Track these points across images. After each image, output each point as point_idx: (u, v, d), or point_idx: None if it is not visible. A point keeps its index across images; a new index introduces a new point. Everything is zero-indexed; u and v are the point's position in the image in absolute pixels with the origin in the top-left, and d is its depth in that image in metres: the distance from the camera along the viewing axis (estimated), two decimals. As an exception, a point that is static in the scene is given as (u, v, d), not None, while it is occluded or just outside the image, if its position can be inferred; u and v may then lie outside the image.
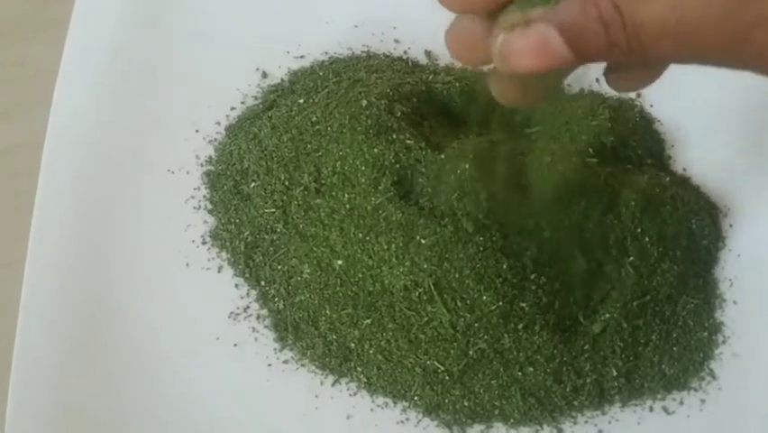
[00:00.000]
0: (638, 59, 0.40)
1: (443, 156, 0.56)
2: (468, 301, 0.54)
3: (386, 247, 0.55)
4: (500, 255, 0.54)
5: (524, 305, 0.54)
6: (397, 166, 0.56)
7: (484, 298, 0.54)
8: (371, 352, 0.56)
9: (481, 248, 0.53)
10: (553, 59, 0.40)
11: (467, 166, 0.54)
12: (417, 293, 0.55)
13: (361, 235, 0.56)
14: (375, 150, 0.56)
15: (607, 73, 0.45)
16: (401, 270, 0.55)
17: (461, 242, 0.54)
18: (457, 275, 0.54)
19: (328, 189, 0.57)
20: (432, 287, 0.54)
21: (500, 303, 0.54)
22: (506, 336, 0.54)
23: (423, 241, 0.54)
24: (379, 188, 0.56)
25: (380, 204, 0.55)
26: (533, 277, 0.54)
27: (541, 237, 0.55)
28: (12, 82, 0.68)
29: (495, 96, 0.46)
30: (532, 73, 0.41)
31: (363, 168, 0.56)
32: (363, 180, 0.56)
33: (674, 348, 0.57)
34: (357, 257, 0.56)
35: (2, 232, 0.62)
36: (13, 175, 0.64)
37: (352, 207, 0.56)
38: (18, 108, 0.66)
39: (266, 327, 0.57)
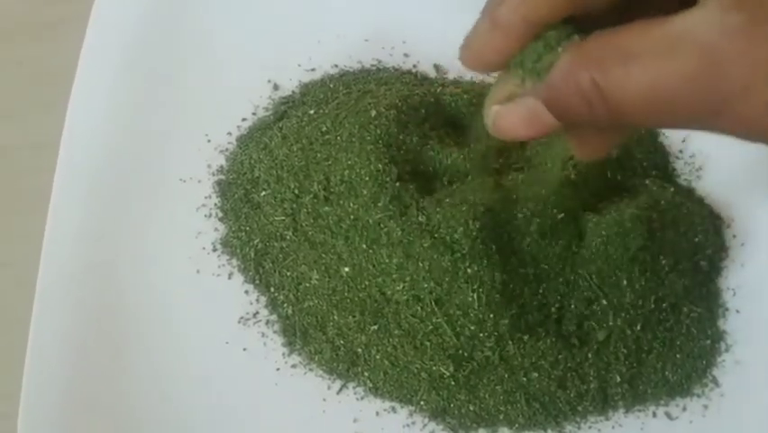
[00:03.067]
0: (618, 127, 0.44)
1: (446, 196, 0.57)
2: (471, 315, 0.55)
3: (387, 260, 0.56)
4: (500, 272, 0.55)
5: (528, 317, 0.55)
6: (398, 184, 0.57)
7: (487, 314, 0.54)
8: (378, 357, 0.56)
9: (481, 266, 0.54)
10: (541, 128, 0.43)
11: (472, 212, 0.55)
12: (420, 306, 0.55)
13: (364, 246, 0.57)
14: (379, 165, 0.57)
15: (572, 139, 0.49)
16: (402, 285, 0.56)
17: (461, 260, 0.54)
18: (458, 293, 0.55)
19: (336, 198, 0.58)
20: (433, 303, 0.55)
21: (503, 319, 0.54)
22: (510, 343, 0.55)
23: (421, 263, 0.55)
24: (379, 204, 0.56)
25: (381, 219, 0.56)
26: (535, 290, 0.55)
27: (541, 252, 0.56)
28: (12, 82, 0.69)
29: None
30: (523, 140, 0.46)
31: (367, 179, 0.57)
32: (366, 193, 0.57)
33: (678, 355, 0.57)
34: (363, 266, 0.57)
35: (2, 232, 0.62)
36: (13, 175, 0.65)
37: (356, 217, 0.57)
38: (18, 108, 0.67)
39: (275, 332, 0.58)
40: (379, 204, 0.56)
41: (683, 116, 0.40)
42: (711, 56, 0.38)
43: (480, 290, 0.54)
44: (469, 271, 0.54)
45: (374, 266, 0.56)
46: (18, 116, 0.67)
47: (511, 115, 0.44)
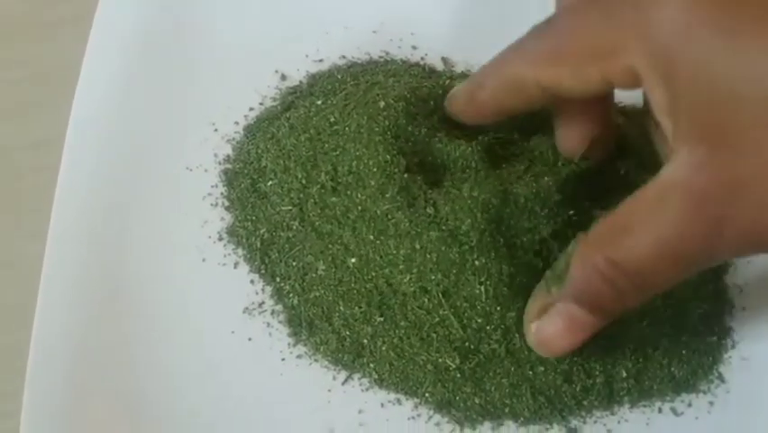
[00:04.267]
0: (649, 294, 0.47)
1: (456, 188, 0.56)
2: (478, 308, 0.55)
3: (394, 252, 0.56)
4: (507, 265, 0.55)
5: None
6: (406, 176, 0.56)
7: (494, 306, 0.54)
8: (383, 349, 0.56)
9: (489, 258, 0.54)
10: (584, 330, 0.46)
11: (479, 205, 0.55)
12: (427, 298, 0.55)
13: (372, 237, 0.56)
14: (387, 156, 0.57)
15: None
16: (409, 277, 0.55)
17: (469, 252, 0.54)
18: (466, 285, 0.54)
19: (343, 188, 0.58)
20: (440, 295, 0.55)
21: (510, 312, 0.54)
22: (517, 336, 0.55)
23: (429, 254, 0.55)
24: (387, 195, 0.56)
25: (389, 210, 0.56)
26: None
27: (548, 245, 0.56)
28: (12, 82, 0.68)
29: None
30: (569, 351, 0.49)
31: (375, 170, 0.57)
32: (373, 184, 0.57)
33: (684, 352, 0.57)
34: (369, 257, 0.56)
35: (2, 232, 0.62)
36: (12, 175, 0.65)
37: (363, 208, 0.57)
38: (18, 108, 0.67)
39: (280, 322, 0.58)
40: (387, 195, 0.56)
41: (697, 257, 0.42)
42: (693, 194, 0.42)
43: (488, 282, 0.54)
44: (476, 263, 0.54)
45: (381, 257, 0.56)
46: (18, 116, 0.66)
47: (550, 326, 0.47)
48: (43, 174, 0.62)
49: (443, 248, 0.54)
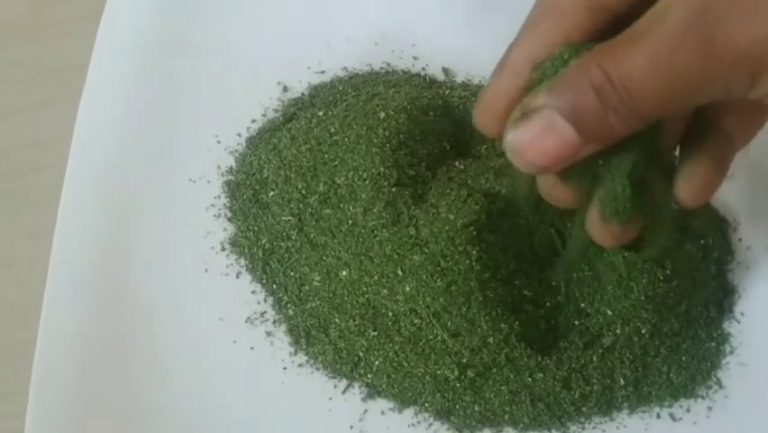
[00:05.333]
0: (636, 120, 0.42)
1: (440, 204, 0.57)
2: (472, 330, 0.55)
3: (381, 271, 0.56)
4: (499, 286, 0.55)
5: (533, 326, 0.56)
6: (394, 189, 0.57)
7: (488, 327, 0.55)
8: (378, 362, 0.57)
9: (477, 282, 0.55)
10: (561, 144, 0.41)
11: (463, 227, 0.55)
12: (419, 318, 0.56)
13: (360, 252, 0.57)
14: (382, 167, 0.58)
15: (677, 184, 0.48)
16: (398, 297, 0.56)
17: (455, 282, 0.55)
18: (456, 309, 0.55)
19: (338, 200, 0.58)
20: (431, 317, 0.55)
21: (507, 331, 0.55)
22: (516, 343, 0.55)
23: (414, 279, 0.55)
24: (374, 210, 0.57)
25: (375, 226, 0.57)
26: (537, 300, 0.57)
27: (540, 260, 0.57)
28: (12, 82, 0.69)
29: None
30: (548, 166, 0.43)
31: (367, 182, 0.57)
32: (364, 197, 0.57)
33: (683, 358, 0.57)
34: (360, 271, 0.57)
35: (2, 232, 0.63)
36: (12, 175, 0.65)
37: (354, 222, 0.57)
38: (18, 108, 0.67)
39: (282, 332, 0.59)
40: (374, 210, 0.57)
41: (686, 78, 0.40)
42: (692, 7, 0.40)
43: (481, 306, 0.55)
44: (464, 289, 0.55)
45: (370, 275, 0.57)
46: (18, 116, 0.67)
47: (526, 131, 0.42)
48: (43, 174, 0.63)
49: (426, 276, 0.55)
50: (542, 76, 0.44)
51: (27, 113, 0.67)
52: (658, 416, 0.56)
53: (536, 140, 0.42)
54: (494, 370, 0.55)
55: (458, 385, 0.56)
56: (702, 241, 0.60)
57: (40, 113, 0.66)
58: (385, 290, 0.56)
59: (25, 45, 0.70)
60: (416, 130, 0.60)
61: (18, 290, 0.60)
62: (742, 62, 0.40)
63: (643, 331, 0.56)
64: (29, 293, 0.58)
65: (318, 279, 0.58)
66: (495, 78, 0.46)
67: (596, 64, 0.41)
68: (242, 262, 0.61)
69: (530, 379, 0.55)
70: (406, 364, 0.56)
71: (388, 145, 0.58)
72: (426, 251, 0.55)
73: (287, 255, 0.60)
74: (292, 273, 0.59)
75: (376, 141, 0.58)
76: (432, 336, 0.55)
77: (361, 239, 0.57)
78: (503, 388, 0.56)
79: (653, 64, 0.40)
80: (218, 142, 0.65)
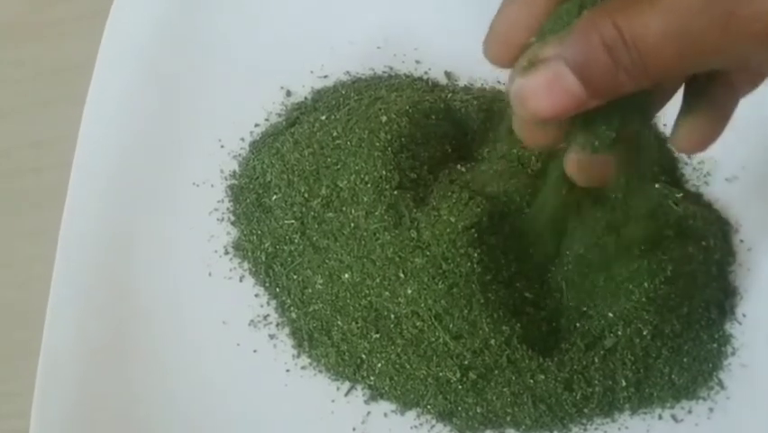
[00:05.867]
0: (645, 80, 0.41)
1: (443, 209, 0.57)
2: (474, 332, 0.55)
3: (383, 274, 0.57)
4: (501, 289, 0.56)
5: (534, 328, 0.57)
6: (396, 192, 0.57)
7: (490, 327, 0.55)
8: (380, 364, 0.57)
9: (479, 284, 0.55)
10: (566, 97, 0.41)
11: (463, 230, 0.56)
12: (421, 321, 0.56)
13: (362, 255, 0.57)
14: (383, 171, 0.58)
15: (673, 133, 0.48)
16: (400, 300, 0.56)
17: (456, 283, 0.55)
18: (458, 312, 0.55)
19: (340, 204, 0.59)
20: (433, 319, 0.56)
21: (508, 333, 0.55)
22: (518, 345, 0.55)
23: (416, 282, 0.56)
24: (376, 213, 0.57)
25: (377, 229, 0.57)
26: (538, 301, 0.57)
27: (541, 262, 0.57)
28: (12, 82, 0.69)
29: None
30: (549, 117, 0.42)
31: (369, 185, 0.58)
32: (366, 200, 0.58)
33: (684, 359, 0.57)
34: (362, 274, 0.57)
35: (2, 232, 0.63)
36: (13, 175, 0.66)
37: (356, 225, 0.58)
38: (18, 108, 0.68)
39: (285, 334, 0.59)
40: (376, 213, 0.57)
41: (699, 46, 0.40)
42: None
43: (482, 308, 0.55)
44: (465, 291, 0.55)
45: (372, 277, 0.57)
46: (18, 116, 0.68)
47: (532, 79, 0.41)
48: (43, 174, 0.63)
49: (428, 278, 0.55)
50: (553, 25, 0.43)
51: (27, 113, 0.67)
52: (660, 417, 0.56)
53: (542, 90, 0.41)
54: (496, 372, 0.55)
55: (460, 387, 0.56)
56: (704, 242, 0.60)
57: (40, 113, 0.66)
58: (387, 293, 0.56)
59: (25, 45, 0.71)
60: (418, 133, 0.60)
61: (18, 290, 0.60)
62: (763, 38, 0.39)
63: (644, 332, 0.56)
64: (29, 293, 0.59)
65: (321, 282, 0.58)
66: (507, 5, 0.45)
67: (610, 20, 0.40)
68: (246, 265, 0.61)
69: (532, 380, 0.56)
70: (408, 367, 0.56)
71: (390, 149, 0.58)
72: (428, 253, 0.55)
73: (289, 259, 0.60)
74: (295, 276, 0.59)
75: (378, 144, 0.59)
76: (434, 339, 0.55)
77: (363, 242, 0.57)
78: (505, 390, 0.56)
79: (668, 29, 0.39)
80: (222, 146, 0.65)
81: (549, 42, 0.42)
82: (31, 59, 0.70)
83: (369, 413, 0.56)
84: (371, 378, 0.57)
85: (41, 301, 0.58)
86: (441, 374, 0.56)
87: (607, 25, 0.40)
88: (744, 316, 0.59)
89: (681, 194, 0.61)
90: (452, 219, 0.55)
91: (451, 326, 0.55)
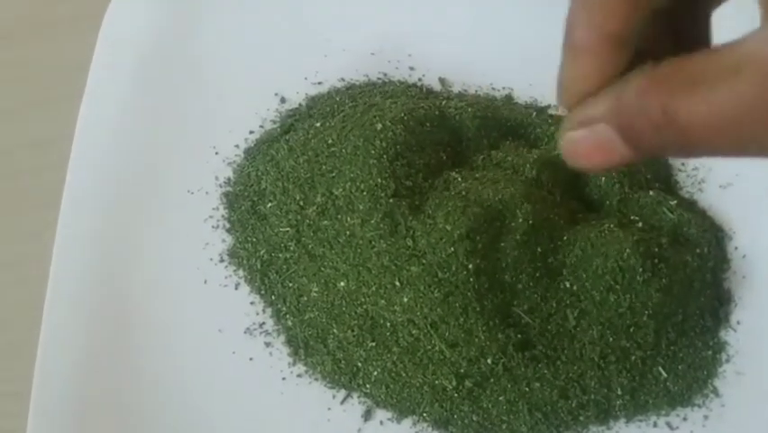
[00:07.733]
0: (691, 156, 0.43)
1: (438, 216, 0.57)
2: (469, 340, 0.55)
3: (379, 282, 0.57)
4: (496, 296, 0.56)
5: (530, 335, 0.57)
6: (391, 200, 0.57)
7: (485, 337, 0.55)
8: (376, 372, 0.57)
9: (474, 293, 0.55)
10: (613, 158, 0.42)
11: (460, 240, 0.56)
12: (416, 329, 0.56)
13: (358, 263, 0.57)
14: (379, 179, 0.58)
15: None
16: (395, 309, 0.56)
17: (452, 291, 0.55)
18: (453, 320, 0.55)
19: (335, 211, 0.59)
20: (429, 327, 0.56)
21: (504, 341, 0.55)
22: (513, 353, 0.55)
23: (412, 290, 0.56)
24: (372, 221, 0.57)
25: (372, 237, 0.57)
26: (535, 308, 0.57)
27: (536, 270, 0.57)
28: (12, 82, 0.69)
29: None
30: (597, 171, 0.44)
31: (365, 193, 0.58)
32: (362, 208, 0.58)
33: (679, 367, 0.58)
34: (358, 282, 0.57)
35: (2, 232, 0.63)
36: (13, 175, 0.66)
37: (352, 233, 0.58)
38: (18, 108, 0.68)
39: (281, 342, 0.59)
40: (372, 221, 0.57)
41: (749, 137, 0.40)
42: None
43: (478, 316, 0.55)
44: (461, 299, 0.55)
45: (368, 285, 0.57)
46: (18, 116, 0.68)
47: (583, 142, 0.44)
48: (43, 174, 0.63)
49: (424, 287, 0.55)
50: None
51: (27, 113, 0.67)
52: (655, 424, 0.56)
53: (591, 150, 0.43)
54: (492, 380, 0.55)
55: (456, 395, 0.56)
56: (698, 250, 0.60)
57: (40, 113, 0.66)
58: (383, 301, 0.56)
59: (25, 45, 0.71)
60: (413, 141, 0.60)
61: (18, 290, 0.60)
62: None
63: (639, 340, 0.56)
64: (29, 293, 0.59)
65: (316, 289, 0.58)
66: (570, 62, 0.45)
67: (657, 98, 0.41)
68: (241, 273, 0.61)
69: (527, 388, 0.56)
70: (404, 375, 0.56)
71: (385, 156, 0.58)
72: (424, 261, 0.55)
73: (285, 266, 0.60)
74: (290, 284, 0.59)
75: (373, 152, 0.59)
76: (429, 347, 0.55)
77: (358, 250, 0.57)
78: (501, 397, 0.56)
79: (718, 121, 0.40)
80: (216, 153, 0.65)
81: (601, 99, 0.43)
82: (31, 59, 0.70)
83: (365, 421, 0.56)
84: (367, 386, 0.57)
85: (40, 301, 0.58)
86: (437, 382, 0.56)
87: (655, 106, 0.40)
88: (738, 323, 0.60)
89: (676, 201, 0.62)
90: (448, 227, 0.55)
91: (446, 334, 0.55)
